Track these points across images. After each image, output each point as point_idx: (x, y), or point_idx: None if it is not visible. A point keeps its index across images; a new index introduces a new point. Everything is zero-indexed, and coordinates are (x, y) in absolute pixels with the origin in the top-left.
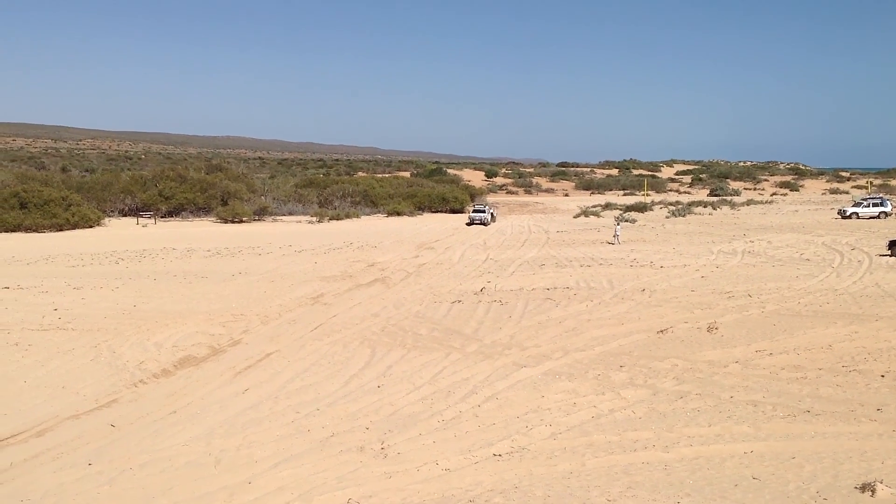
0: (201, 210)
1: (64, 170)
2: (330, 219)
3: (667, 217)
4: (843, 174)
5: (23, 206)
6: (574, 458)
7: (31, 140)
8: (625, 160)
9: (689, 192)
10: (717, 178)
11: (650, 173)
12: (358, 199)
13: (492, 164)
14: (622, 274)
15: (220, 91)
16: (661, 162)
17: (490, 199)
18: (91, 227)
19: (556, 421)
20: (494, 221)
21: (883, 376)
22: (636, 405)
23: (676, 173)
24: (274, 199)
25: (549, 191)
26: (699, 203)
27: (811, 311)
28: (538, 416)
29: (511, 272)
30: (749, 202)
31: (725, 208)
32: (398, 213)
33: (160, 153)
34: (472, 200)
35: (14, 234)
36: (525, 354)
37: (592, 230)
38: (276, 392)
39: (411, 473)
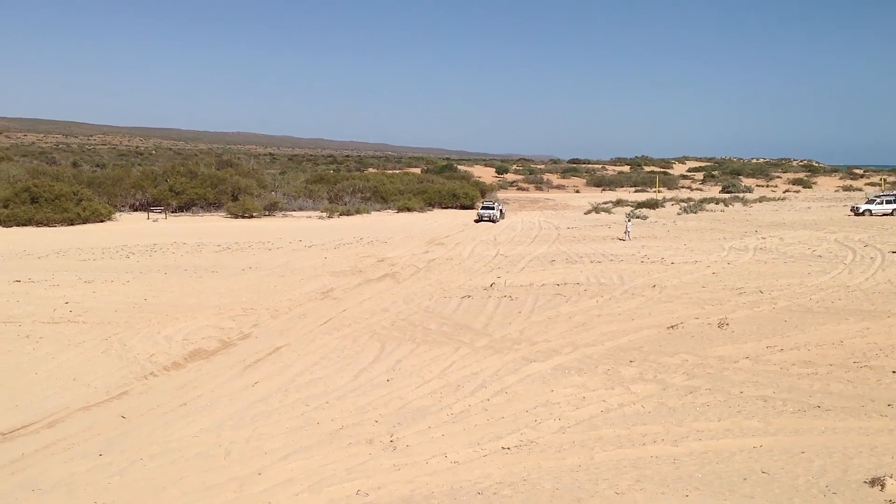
0: (212, 205)
1: (75, 165)
2: (340, 214)
3: (678, 214)
4: (857, 171)
5: (34, 200)
6: (583, 451)
7: (42, 135)
8: (636, 157)
9: (700, 189)
10: (729, 174)
11: (662, 170)
12: (368, 194)
13: (502, 161)
14: (633, 270)
15: (231, 87)
16: (673, 159)
17: (500, 195)
18: (102, 221)
19: (566, 415)
20: (503, 218)
21: (894, 372)
22: (645, 400)
23: (688, 170)
24: (284, 194)
25: (560, 187)
26: (711, 200)
27: (823, 307)
28: (547, 410)
29: (521, 268)
30: (761, 199)
31: (737, 205)
32: (408, 209)
33: (171, 149)
34: (483, 196)
35: (25, 229)
36: (535, 349)
37: (603, 227)
38: (285, 385)
39: (420, 466)
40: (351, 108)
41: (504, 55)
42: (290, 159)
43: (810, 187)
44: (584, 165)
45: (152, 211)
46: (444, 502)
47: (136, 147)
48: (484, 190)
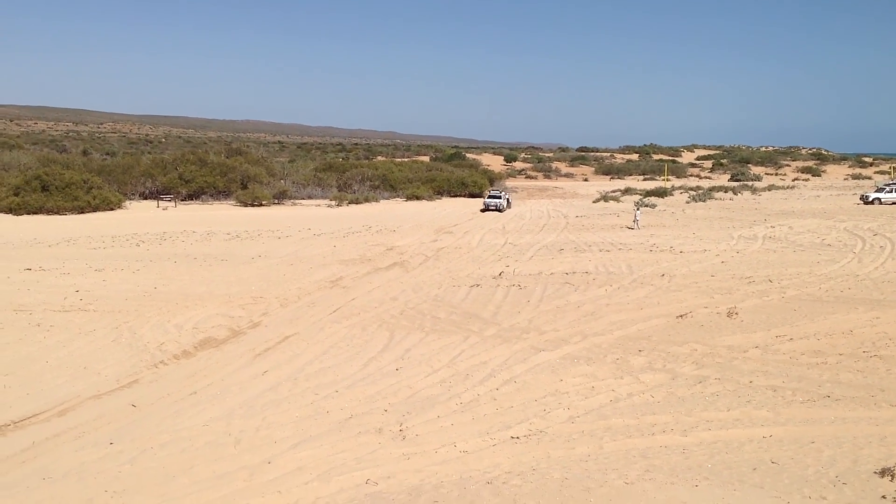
0: (221, 193)
1: (85, 153)
2: (349, 203)
3: (687, 202)
4: (866, 159)
5: (44, 188)
6: (592, 441)
7: (52, 123)
8: (645, 145)
9: (709, 177)
10: (738, 163)
11: (670, 158)
12: (377, 183)
13: (511, 149)
14: (641, 259)
15: (241, 75)
16: (682, 147)
17: (509, 183)
18: (112, 209)
19: (575, 404)
20: (510, 207)
21: None
22: (655, 389)
23: (697, 158)
24: (293, 182)
25: (569, 175)
26: (720, 188)
27: (832, 296)
28: (556, 400)
29: (530, 256)
30: (770, 187)
31: (746, 193)
32: (417, 198)
33: (180, 137)
34: (491, 185)
35: (36, 217)
36: (543, 338)
37: (612, 215)
38: (295, 374)
39: (429, 455)
40: (360, 97)
41: (513, 42)
42: (299, 147)
43: (819, 176)
44: (592, 154)
45: (162, 199)
46: (453, 491)
47: (146, 135)
48: (492, 178)
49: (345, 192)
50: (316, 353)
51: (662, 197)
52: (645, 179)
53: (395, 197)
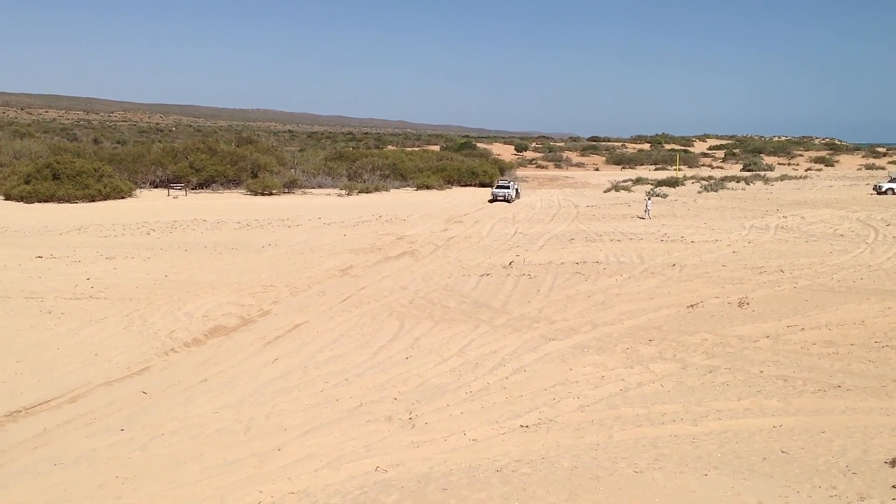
0: (231, 182)
1: (96, 141)
2: (359, 192)
3: (698, 192)
4: (880, 150)
5: (56, 177)
6: (601, 430)
7: (63, 112)
8: (656, 135)
9: (721, 167)
10: (750, 153)
11: (682, 148)
12: (387, 172)
13: (522, 139)
14: (652, 248)
15: (251, 64)
16: (694, 136)
17: (520, 173)
18: (122, 198)
19: (584, 393)
20: (519, 198)
21: None
22: (665, 379)
23: (709, 148)
24: (303, 171)
25: (580, 165)
26: (732, 178)
27: (844, 286)
28: (566, 389)
29: (540, 246)
30: (783, 177)
31: (758, 183)
32: (427, 187)
33: (191, 126)
34: (502, 174)
35: (47, 205)
36: (553, 328)
37: (623, 205)
38: (305, 362)
39: (438, 443)
40: (370, 86)
41: (524, 33)
42: (309, 136)
43: (832, 166)
44: (603, 143)
45: (172, 188)
46: (462, 480)
47: (157, 124)
48: (503, 168)
49: (355, 182)
50: (326, 342)
51: (674, 187)
52: (656, 169)
53: (405, 186)
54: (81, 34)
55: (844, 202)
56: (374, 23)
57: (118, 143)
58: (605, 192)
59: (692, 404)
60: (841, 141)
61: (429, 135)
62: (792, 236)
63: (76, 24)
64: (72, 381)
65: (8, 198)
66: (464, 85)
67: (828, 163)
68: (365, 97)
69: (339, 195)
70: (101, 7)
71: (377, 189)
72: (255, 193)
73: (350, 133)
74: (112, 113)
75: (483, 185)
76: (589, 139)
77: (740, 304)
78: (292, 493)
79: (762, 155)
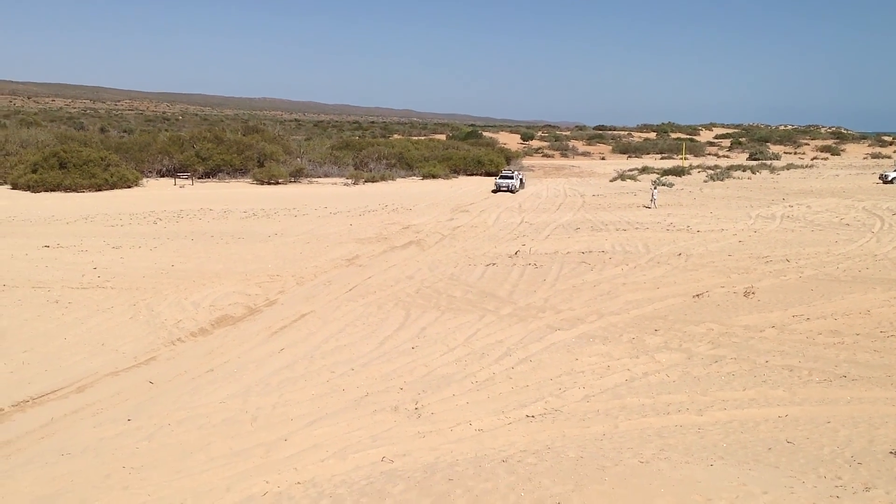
0: (238, 171)
1: (102, 130)
2: (365, 181)
3: (705, 181)
4: (886, 138)
5: (62, 166)
6: (607, 420)
7: (70, 100)
8: (663, 123)
9: (727, 156)
10: (756, 141)
11: (688, 137)
12: (393, 161)
13: (528, 127)
14: (658, 238)
15: (257, 53)
16: (700, 125)
17: (526, 162)
18: (129, 187)
19: (590, 383)
20: (524, 188)
21: None
22: (670, 369)
23: (715, 137)
24: (310, 161)
25: (586, 154)
26: (738, 167)
27: (850, 276)
28: (572, 379)
29: (546, 235)
30: (789, 166)
31: (765, 172)
32: (433, 176)
33: (197, 114)
34: (508, 163)
35: (54, 194)
36: (559, 317)
37: (629, 194)
38: (311, 352)
39: (444, 433)
40: (376, 75)
41: (530, 21)
42: (315, 125)
43: (838, 154)
44: (609, 132)
45: (179, 177)
46: (468, 469)
47: (163, 113)
48: (509, 157)
49: (361, 171)
50: (332, 331)
51: (680, 176)
52: (662, 158)
53: (411, 175)
54: (88, 23)
55: (850, 191)
56: (379, 11)
57: (124, 131)
58: (610, 181)
59: (698, 394)
60: (847, 130)
61: (435, 124)
62: (798, 225)
63: (83, 13)
64: (79, 370)
65: (15, 187)
66: (470, 74)
67: (834, 152)
68: (371, 86)
69: (345, 184)
70: None
71: (383, 178)
72: (262, 183)
73: (356, 122)
74: (118, 102)
75: (489, 174)
76: (595, 128)
77: (746, 294)
78: (299, 483)
79: (768, 144)
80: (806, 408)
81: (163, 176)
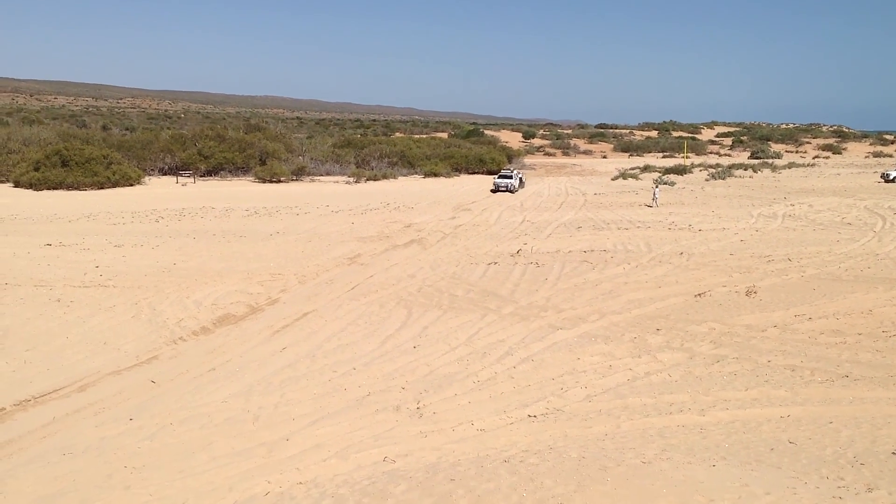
0: (240, 169)
1: (105, 128)
2: (367, 179)
3: (706, 180)
4: (887, 137)
5: (64, 163)
6: (609, 420)
7: (72, 98)
8: (664, 122)
9: (729, 155)
10: (758, 140)
11: (690, 135)
12: (395, 159)
13: (529, 126)
14: (660, 237)
15: (259, 51)
16: (702, 124)
17: (527, 160)
18: (131, 185)
19: (592, 383)
20: (523, 187)
21: None
22: (672, 368)
23: (717, 135)
24: (311, 159)
25: (587, 152)
26: (739, 166)
27: (852, 275)
28: (574, 378)
29: (548, 234)
30: (790, 165)
31: (766, 171)
32: (435, 175)
33: (199, 112)
34: (510, 162)
35: (56, 192)
36: (561, 317)
37: (630, 193)
38: (313, 351)
39: (446, 433)
40: (378, 73)
41: (532, 19)
42: (317, 123)
43: (840, 153)
44: (611, 130)
45: (181, 175)
46: (470, 469)
47: (165, 111)
48: (511, 155)
49: (363, 169)
50: (334, 330)
51: (681, 174)
52: (664, 157)
53: (413, 174)
54: (90, 21)
55: (852, 190)
56: (382, 9)
57: (127, 129)
58: (612, 179)
59: (700, 394)
60: (848, 128)
61: (437, 122)
62: (799, 224)
63: (85, 10)
64: (81, 369)
65: (17, 185)
66: (472, 72)
67: (835, 150)
68: (373, 84)
69: (347, 182)
70: None
71: (385, 176)
72: (264, 181)
73: (358, 120)
74: (121, 99)
75: (491, 172)
76: (597, 126)
77: (748, 293)
78: (300, 482)
79: (770, 142)
80: (808, 408)
81: (165, 174)
